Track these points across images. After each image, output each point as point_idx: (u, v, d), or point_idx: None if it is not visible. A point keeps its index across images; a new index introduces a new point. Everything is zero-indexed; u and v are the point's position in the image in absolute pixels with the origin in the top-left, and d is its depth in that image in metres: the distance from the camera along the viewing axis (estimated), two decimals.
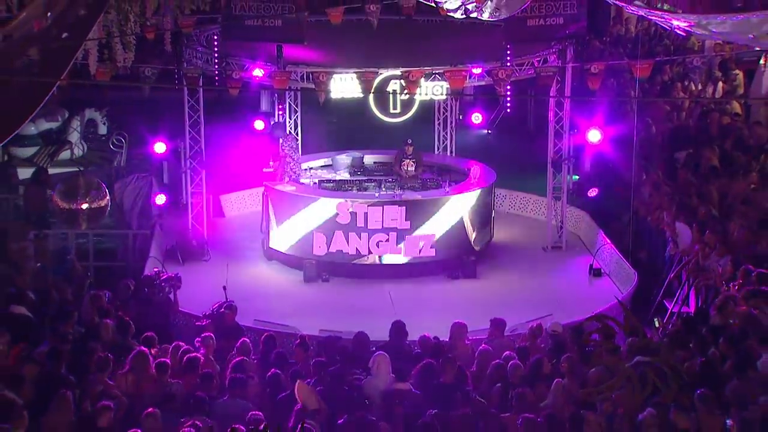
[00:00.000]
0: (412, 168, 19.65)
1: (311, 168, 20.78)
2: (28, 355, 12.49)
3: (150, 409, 10.90)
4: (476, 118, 26.46)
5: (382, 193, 18.99)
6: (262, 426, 10.01)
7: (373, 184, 19.41)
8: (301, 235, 18.78)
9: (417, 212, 18.65)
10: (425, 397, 12.06)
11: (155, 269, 17.06)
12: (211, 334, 14.18)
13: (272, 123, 20.15)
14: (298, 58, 18.34)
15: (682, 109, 23.40)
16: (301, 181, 19.76)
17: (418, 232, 18.61)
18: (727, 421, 10.70)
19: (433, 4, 16.17)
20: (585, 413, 11.28)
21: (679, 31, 13.61)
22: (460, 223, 18.92)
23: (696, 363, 12.45)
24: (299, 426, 10.20)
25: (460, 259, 18.98)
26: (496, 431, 11.26)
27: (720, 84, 24.73)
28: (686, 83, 24.59)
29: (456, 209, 18.86)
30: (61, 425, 10.88)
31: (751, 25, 10.52)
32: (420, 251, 18.74)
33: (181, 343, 13.74)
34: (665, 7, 14.35)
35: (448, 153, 23.01)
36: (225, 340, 13.93)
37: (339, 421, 11.30)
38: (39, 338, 13.40)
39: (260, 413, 11.17)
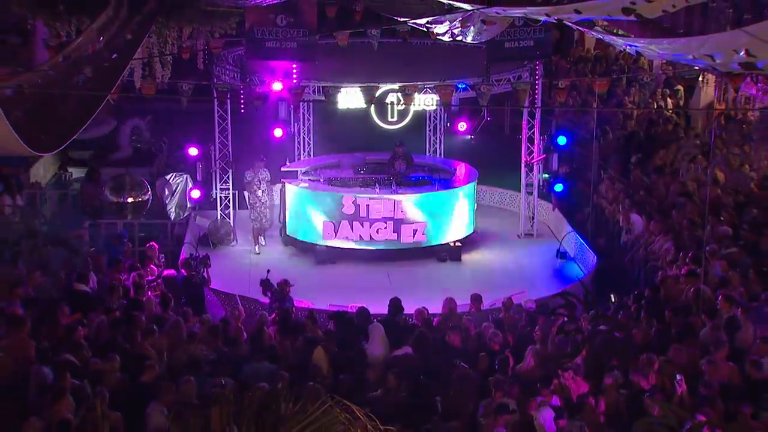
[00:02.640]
0: (403, 166, 19.70)
1: (322, 167, 20.83)
2: (81, 322, 12.63)
3: (186, 377, 10.91)
4: (461, 126, 26.50)
5: (381, 188, 19.05)
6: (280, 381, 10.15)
7: (373, 181, 19.47)
8: (313, 224, 18.87)
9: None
10: (422, 361, 12.17)
11: (189, 253, 17.17)
12: (241, 308, 14.28)
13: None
14: (310, 74, 18.39)
15: (631, 118, 23.57)
16: (313, 179, 19.83)
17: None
18: (678, 376, 10.77)
19: (424, 29, 16.18)
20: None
21: (631, 52, 13.67)
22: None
23: (642, 331, 12.58)
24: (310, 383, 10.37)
25: (446, 244, 19.07)
26: (476, 389, 11.32)
27: (669, 99, 24.89)
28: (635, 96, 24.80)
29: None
30: (111, 380, 11.02)
31: (692, 47, 10.57)
32: (414, 237, 18.82)
33: (208, 315, 13.87)
34: (620, 32, 14.37)
35: (438, 155, 23.06)
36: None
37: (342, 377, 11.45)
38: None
39: (276, 371, 11.29)
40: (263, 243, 19.37)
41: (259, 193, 18.97)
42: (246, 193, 19.17)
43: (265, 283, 15.14)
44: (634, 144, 21.85)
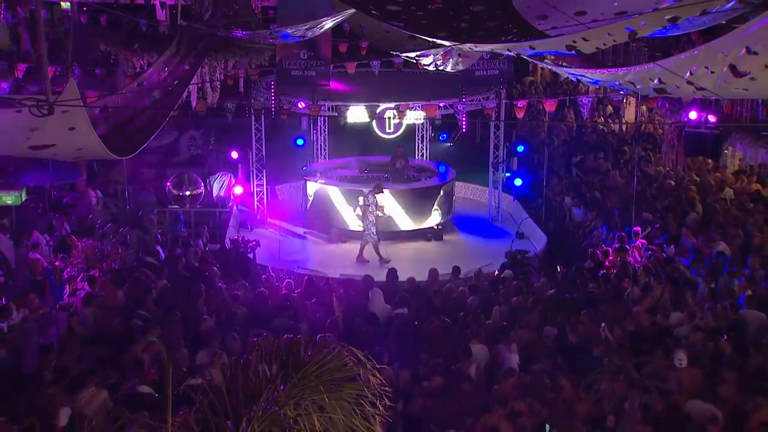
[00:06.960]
0: (402, 163, 19.67)
1: (335, 167, 20.86)
2: (149, 288, 12.69)
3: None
4: (443, 136, 26.56)
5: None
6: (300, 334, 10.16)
7: (375, 178, 19.42)
8: (328, 211, 18.85)
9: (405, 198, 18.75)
10: (414, 317, 12.23)
11: (240, 235, 17.20)
12: (273, 275, 14.26)
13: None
14: (326, 96, 18.42)
15: (573, 129, 23.66)
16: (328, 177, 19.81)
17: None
18: (602, 324, 10.81)
19: (414, 61, 16.22)
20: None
21: (572, 78, 13.70)
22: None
23: (581, 294, 12.66)
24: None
25: (432, 227, 19.09)
26: (458, 341, 11.37)
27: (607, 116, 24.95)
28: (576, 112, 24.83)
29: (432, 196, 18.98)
30: (174, 332, 11.12)
31: (618, 76, 10.62)
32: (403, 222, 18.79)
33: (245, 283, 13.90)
34: (563, 64, 14.40)
35: (425, 158, 23.10)
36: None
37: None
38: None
39: (300, 325, 11.35)
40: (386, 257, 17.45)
41: (371, 216, 17.44)
42: (360, 215, 17.83)
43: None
44: (574, 148, 21.92)
